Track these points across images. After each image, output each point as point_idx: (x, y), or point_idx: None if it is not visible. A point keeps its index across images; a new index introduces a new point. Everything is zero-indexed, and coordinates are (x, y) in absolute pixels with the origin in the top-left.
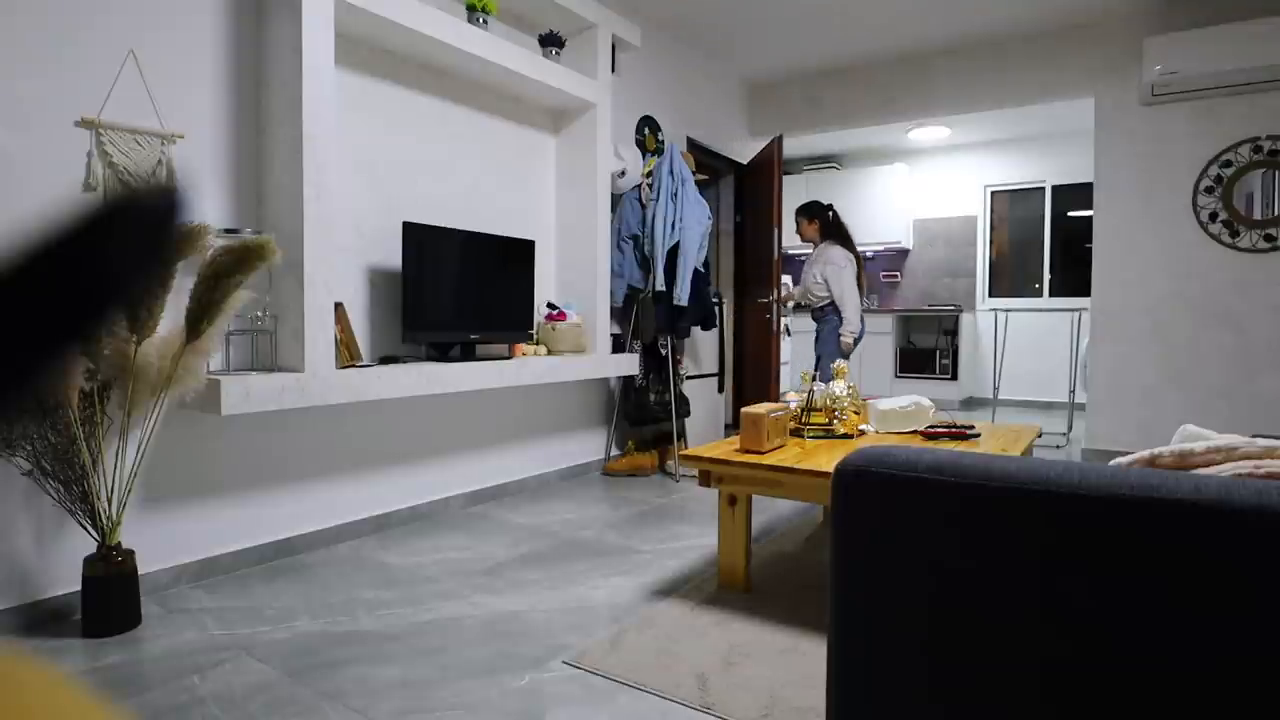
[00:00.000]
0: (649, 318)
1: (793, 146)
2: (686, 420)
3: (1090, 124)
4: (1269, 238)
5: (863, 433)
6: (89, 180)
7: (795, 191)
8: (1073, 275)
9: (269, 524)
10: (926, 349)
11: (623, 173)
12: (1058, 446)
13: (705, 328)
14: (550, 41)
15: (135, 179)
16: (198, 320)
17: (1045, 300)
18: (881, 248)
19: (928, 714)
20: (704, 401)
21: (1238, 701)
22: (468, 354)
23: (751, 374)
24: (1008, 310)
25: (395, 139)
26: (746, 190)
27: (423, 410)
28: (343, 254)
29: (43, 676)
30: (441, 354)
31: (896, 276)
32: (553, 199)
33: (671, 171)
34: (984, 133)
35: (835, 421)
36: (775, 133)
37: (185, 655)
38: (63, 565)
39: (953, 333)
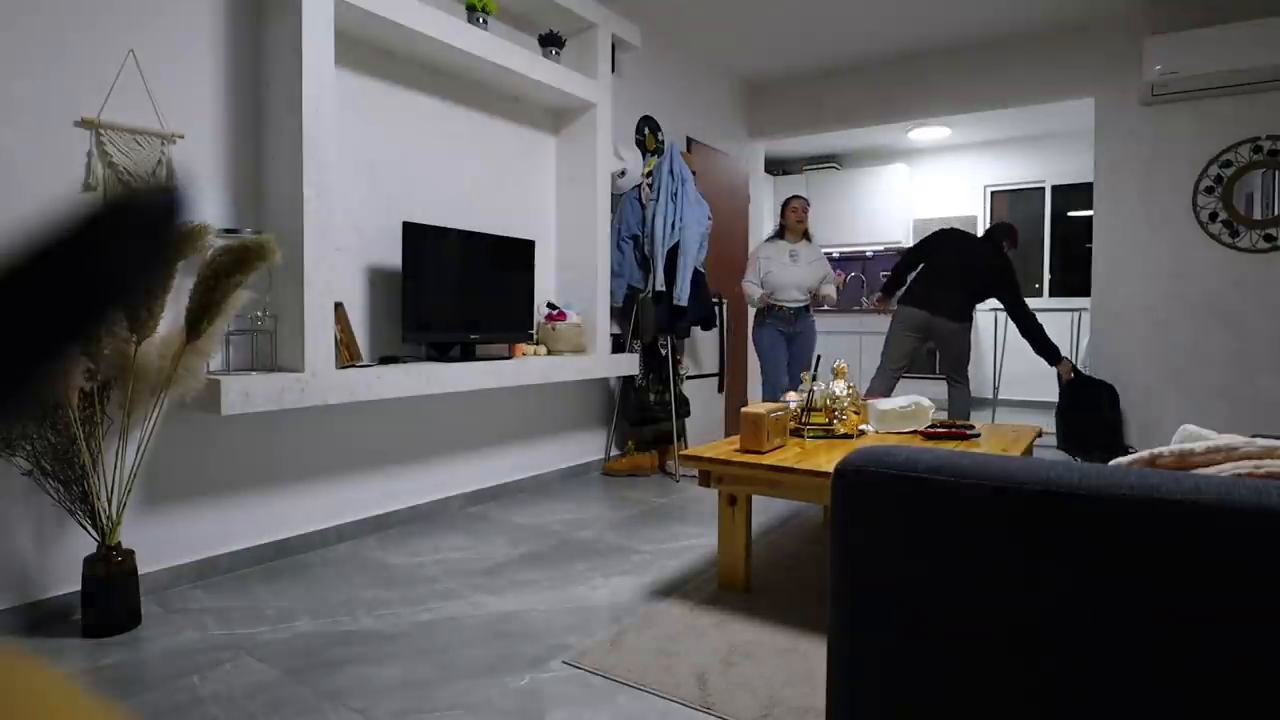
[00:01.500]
0: (649, 318)
1: (793, 146)
2: (686, 420)
3: (1090, 124)
4: (1269, 238)
5: (863, 433)
6: (89, 180)
7: (794, 191)
8: (1073, 275)
9: (269, 524)
10: (927, 349)
11: (623, 173)
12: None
13: (705, 328)
14: (550, 41)
15: (135, 179)
16: (198, 320)
17: (1045, 300)
18: (881, 248)
19: (928, 714)
20: (704, 401)
21: (1238, 701)
22: (467, 354)
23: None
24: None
25: (395, 139)
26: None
27: (423, 410)
28: (343, 254)
29: (43, 676)
30: (441, 354)
31: None
32: (553, 199)
33: (671, 171)
34: (984, 133)
35: (835, 421)
36: (775, 133)
37: (185, 655)
38: (63, 565)
39: None
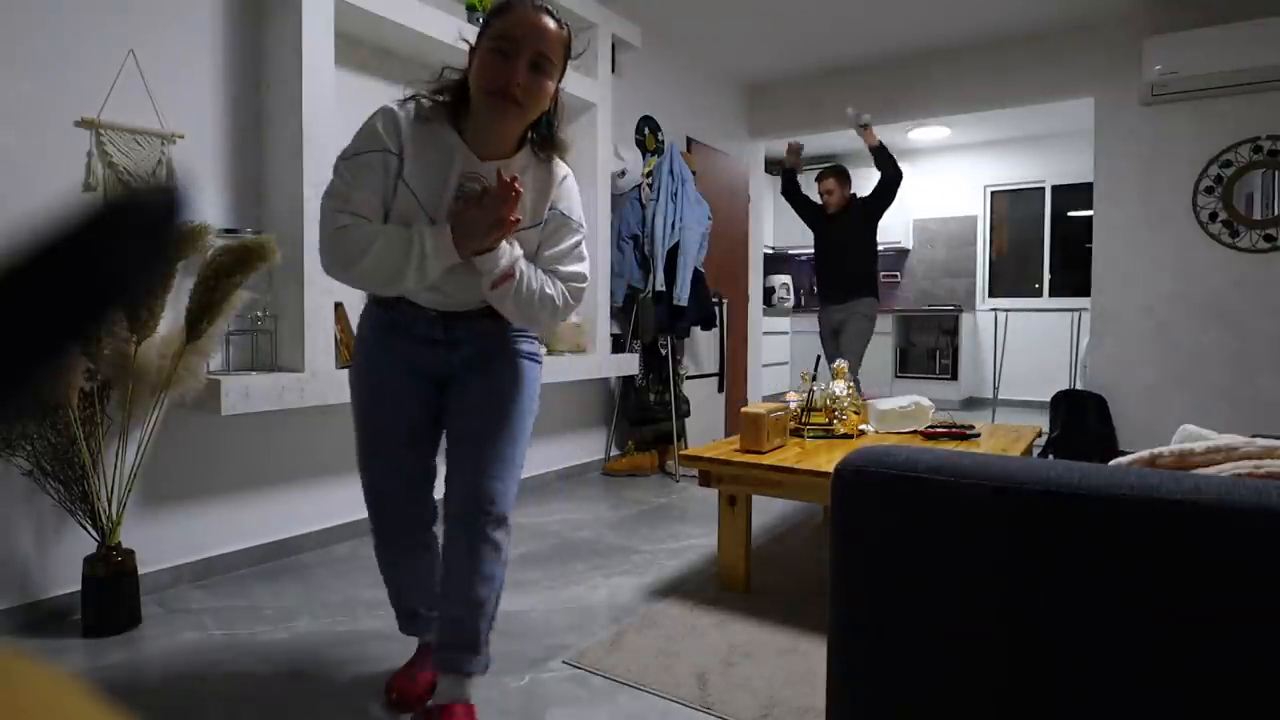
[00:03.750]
0: (649, 318)
1: None
2: (686, 420)
3: (1090, 124)
4: (1269, 238)
5: (863, 433)
6: (89, 180)
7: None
8: (1073, 275)
9: (269, 524)
10: (926, 349)
11: (623, 173)
12: None
13: (705, 328)
14: None
15: (135, 179)
16: (198, 320)
17: (1045, 300)
18: (881, 247)
19: (928, 714)
20: (704, 401)
21: (1238, 701)
22: None
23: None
24: (1008, 310)
25: None
26: None
27: None
28: None
29: (43, 676)
30: None
31: (896, 276)
32: None
33: (671, 171)
34: (984, 133)
35: (835, 421)
36: (775, 133)
37: (185, 655)
38: (63, 565)
39: (953, 333)
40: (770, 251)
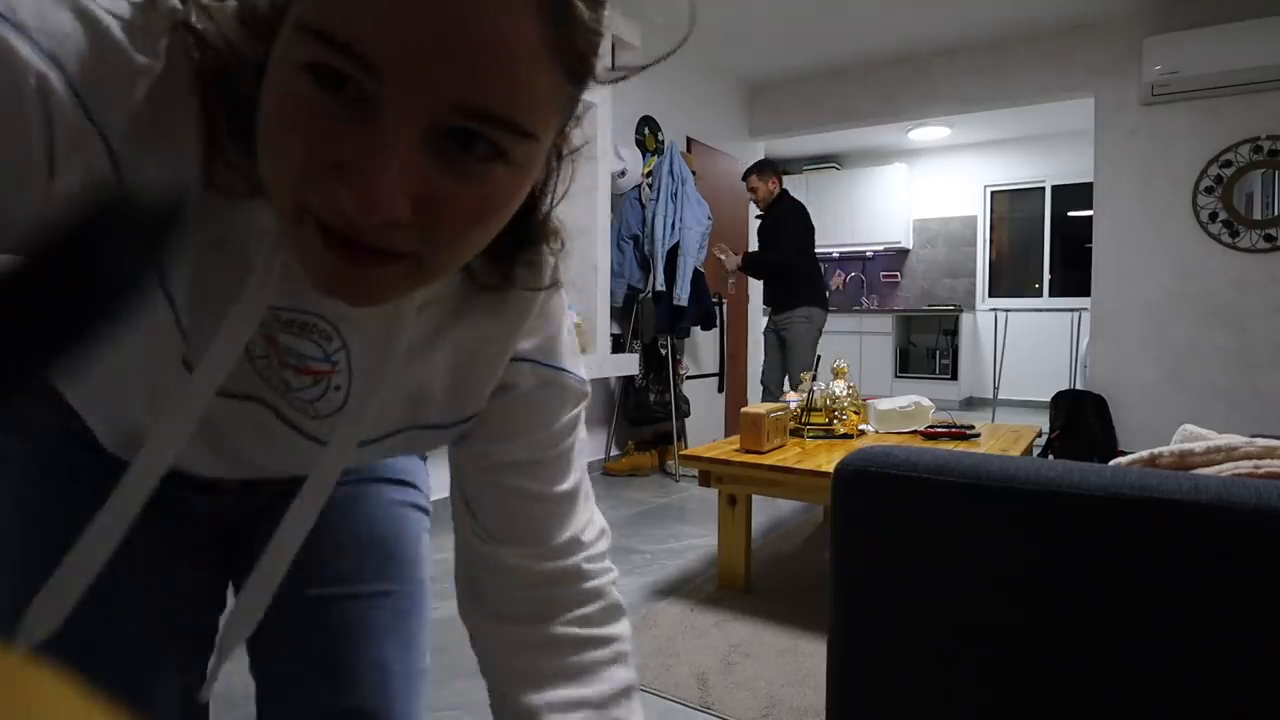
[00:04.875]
0: (649, 318)
1: (793, 146)
2: (686, 420)
3: (1090, 124)
4: (1269, 238)
5: (863, 433)
6: None
7: (795, 192)
8: (1073, 275)
9: None
10: (926, 349)
11: (623, 173)
12: None
13: (705, 328)
14: None
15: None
16: None
17: (1045, 300)
18: (881, 248)
19: (928, 714)
20: (704, 401)
21: (1236, 703)
22: None
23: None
24: (1007, 310)
25: None
26: None
27: None
28: None
29: (43, 676)
30: None
31: (896, 276)
32: None
33: (671, 171)
34: (984, 133)
35: (835, 421)
36: (775, 133)
37: None
38: None
39: (952, 333)
40: None
